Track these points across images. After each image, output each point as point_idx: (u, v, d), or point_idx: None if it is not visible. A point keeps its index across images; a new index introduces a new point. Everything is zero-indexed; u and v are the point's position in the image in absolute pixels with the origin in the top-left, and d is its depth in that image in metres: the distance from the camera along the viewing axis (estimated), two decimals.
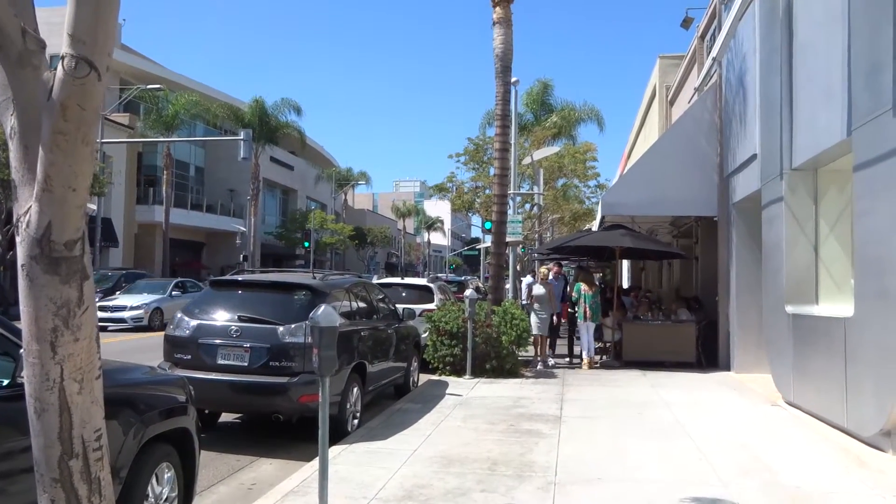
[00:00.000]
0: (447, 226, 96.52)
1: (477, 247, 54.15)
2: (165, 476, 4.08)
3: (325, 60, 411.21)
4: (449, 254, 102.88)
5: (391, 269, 73.74)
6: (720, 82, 12.50)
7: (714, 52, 11.23)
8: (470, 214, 40.97)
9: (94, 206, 29.82)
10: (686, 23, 15.88)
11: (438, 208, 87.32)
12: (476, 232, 63.46)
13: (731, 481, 5.58)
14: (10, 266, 26.10)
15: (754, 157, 10.02)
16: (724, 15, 13.19)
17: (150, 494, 3.88)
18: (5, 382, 3.16)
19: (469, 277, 40.58)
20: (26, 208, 1.89)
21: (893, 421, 5.81)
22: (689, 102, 15.89)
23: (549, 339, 13.24)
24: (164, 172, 38.45)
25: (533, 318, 12.43)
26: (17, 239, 1.93)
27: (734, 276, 11.69)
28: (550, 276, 13.45)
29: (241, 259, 42.94)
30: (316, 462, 5.62)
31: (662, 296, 19.01)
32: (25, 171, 1.91)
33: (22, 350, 2.94)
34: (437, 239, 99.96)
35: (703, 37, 15.24)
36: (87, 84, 1.80)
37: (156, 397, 4.13)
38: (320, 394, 4.66)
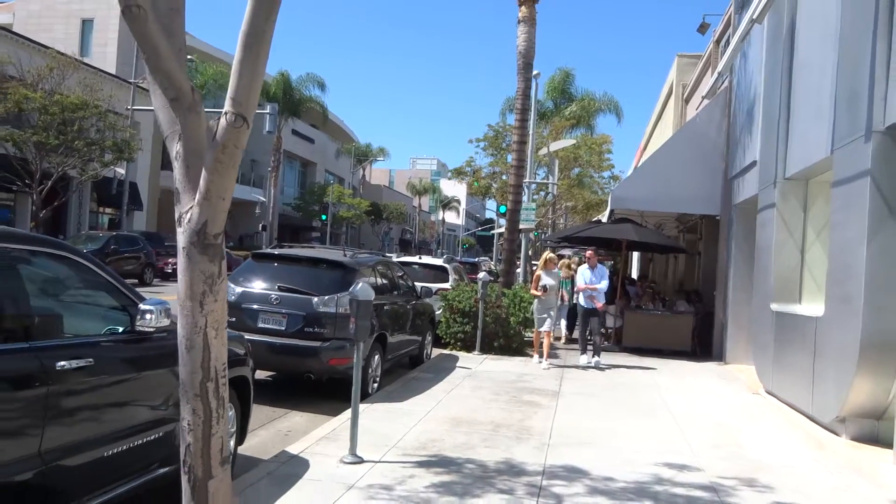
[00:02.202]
0: (462, 206, 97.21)
1: (491, 231, 54.97)
2: (229, 414, 4.98)
3: (347, 34, 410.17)
4: (462, 233, 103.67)
5: (405, 246, 74.77)
6: (731, 88, 13.16)
7: (720, 67, 11.89)
8: (486, 198, 41.79)
9: (122, 171, 30.84)
10: (703, 28, 16.50)
11: (454, 188, 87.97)
12: (490, 213, 64.21)
13: (702, 452, 6.44)
14: (41, 223, 26.95)
15: (755, 163, 10.72)
16: (739, 23, 13.78)
17: None
18: (121, 329, 4.06)
19: (483, 259, 41.56)
20: (188, 208, 2.76)
21: (847, 409, 6.63)
22: (696, 109, 16.53)
23: (589, 335, 11.69)
24: None
25: (536, 311, 11.28)
26: (179, 230, 2.79)
27: (731, 273, 12.45)
28: (585, 266, 11.89)
29: (260, 228, 43.98)
30: (343, 414, 6.58)
31: (666, 287, 19.80)
32: (186, 182, 2.78)
33: (142, 305, 3.87)
34: (452, 218, 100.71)
35: (718, 42, 15.85)
36: (240, 132, 2.66)
37: None
38: (354, 355, 5.58)
